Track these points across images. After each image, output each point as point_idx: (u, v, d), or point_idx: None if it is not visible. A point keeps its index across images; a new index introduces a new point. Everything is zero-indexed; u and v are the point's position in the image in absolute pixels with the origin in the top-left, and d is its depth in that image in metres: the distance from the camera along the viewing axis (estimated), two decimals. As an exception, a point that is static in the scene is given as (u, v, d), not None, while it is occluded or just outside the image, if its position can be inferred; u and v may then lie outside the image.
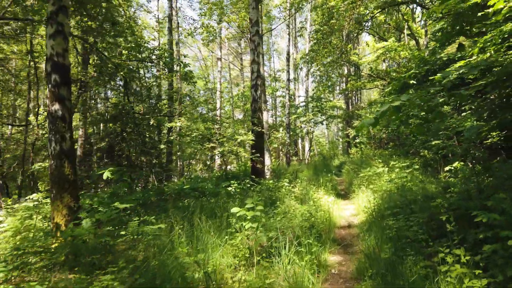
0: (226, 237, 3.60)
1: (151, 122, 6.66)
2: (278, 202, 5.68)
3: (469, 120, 6.10)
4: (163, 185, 6.94)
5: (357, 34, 17.69)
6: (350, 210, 6.44)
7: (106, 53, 9.83)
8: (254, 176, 7.92)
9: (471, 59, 3.76)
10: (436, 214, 3.48)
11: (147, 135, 6.69)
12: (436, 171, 7.16)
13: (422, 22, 22.39)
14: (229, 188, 7.21)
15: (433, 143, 7.09)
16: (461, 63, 3.68)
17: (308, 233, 4.08)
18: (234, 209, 3.39)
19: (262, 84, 11.88)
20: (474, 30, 5.29)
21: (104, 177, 3.68)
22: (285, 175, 10.40)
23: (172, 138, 6.43)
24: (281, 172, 11.61)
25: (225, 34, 17.46)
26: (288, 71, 17.07)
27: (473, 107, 6.76)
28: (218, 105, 17.18)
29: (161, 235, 3.45)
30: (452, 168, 6.14)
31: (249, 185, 7.47)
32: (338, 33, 14.89)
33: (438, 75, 3.57)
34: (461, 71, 3.36)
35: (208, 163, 8.19)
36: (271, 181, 7.67)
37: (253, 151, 8.54)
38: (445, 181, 5.66)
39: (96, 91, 11.18)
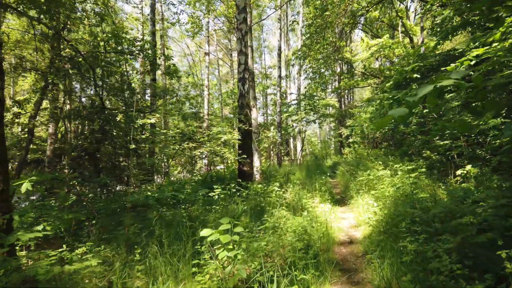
0: (193, 270, 2.72)
1: (118, 118, 5.72)
2: (265, 215, 4.82)
3: (487, 119, 5.38)
4: (138, 191, 6.02)
5: (350, 30, 16.99)
6: (350, 220, 5.63)
7: (80, 44, 8.83)
8: (240, 180, 7.05)
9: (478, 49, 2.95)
10: (468, 236, 2.67)
11: (117, 133, 5.76)
12: (444, 175, 6.43)
13: (417, 19, 21.91)
14: (212, 194, 6.33)
15: (441, 143, 6.36)
16: (480, 50, 2.90)
17: (303, 256, 3.24)
18: (205, 232, 2.52)
19: (251, 79, 11.00)
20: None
21: (23, 189, 2.75)
22: (276, 178, 9.57)
23: (144, 136, 5.51)
24: (272, 174, 10.78)
25: (212, 27, 16.52)
26: (279, 67, 16.24)
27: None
28: (205, 102, 16.22)
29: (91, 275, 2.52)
30: (465, 172, 5.40)
31: (234, 190, 6.61)
32: (332, 28, 14.13)
33: (452, 65, 2.77)
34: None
35: (191, 165, 7.29)
36: (259, 185, 6.82)
37: (240, 151, 7.68)
38: (457, 187, 4.90)
39: (71, 85, 10.11)
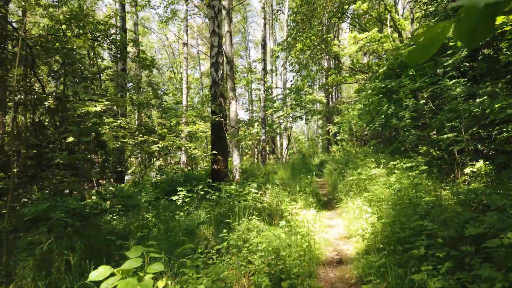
0: None
1: (47, 104, 4.54)
2: (235, 224, 3.79)
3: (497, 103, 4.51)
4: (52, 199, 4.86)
5: (337, 21, 16.16)
6: (338, 228, 4.67)
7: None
8: (210, 181, 6.00)
9: None
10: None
11: (50, 123, 4.60)
12: (445, 173, 5.56)
13: (406, 13, 21.37)
14: (175, 198, 5.26)
15: (445, 136, 5.48)
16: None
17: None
18: (96, 274, 1.48)
19: (230, 68, 9.94)
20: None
21: None
22: (256, 177, 8.55)
23: (84, 126, 4.37)
24: (253, 173, 9.76)
25: (191, 12, 15.31)
26: (264, 60, 15.22)
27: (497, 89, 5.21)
28: (184, 97, 15.03)
29: None
30: (475, 170, 4.53)
31: (203, 193, 5.55)
32: (318, 16, 13.22)
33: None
34: None
35: (145, 163, 6.13)
36: (233, 187, 5.78)
37: (212, 147, 6.63)
38: (467, 189, 4.00)
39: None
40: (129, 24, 16.45)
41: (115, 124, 4.56)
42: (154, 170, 6.10)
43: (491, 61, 6.79)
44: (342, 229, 4.55)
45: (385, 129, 12.18)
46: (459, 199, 3.89)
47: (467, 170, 4.52)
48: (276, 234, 3.54)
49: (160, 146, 4.82)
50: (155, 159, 5.55)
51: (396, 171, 5.04)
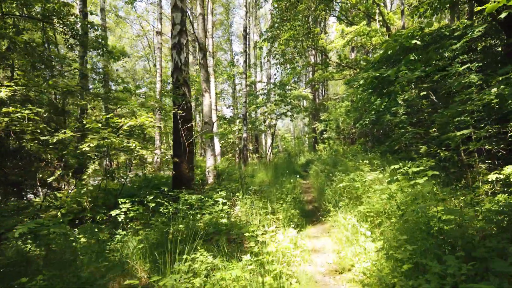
0: None
1: None
2: (178, 261, 2.59)
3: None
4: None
5: (325, 9, 15.11)
6: (326, 255, 3.54)
7: None
8: (165, 190, 4.79)
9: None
10: None
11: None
12: (454, 179, 4.54)
13: (397, 5, 20.68)
14: (116, 213, 4.01)
15: (457, 133, 4.45)
16: None
17: None
18: None
19: (203, 55, 8.69)
20: None
21: None
22: (229, 182, 7.37)
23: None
24: (231, 176, 8.57)
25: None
26: (245, 52, 14.00)
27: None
28: (158, 90, 13.64)
29: None
30: (502, 176, 3.50)
31: (154, 205, 4.32)
32: (305, 1, 12.10)
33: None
34: None
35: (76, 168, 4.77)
36: (194, 196, 4.56)
37: (174, 146, 5.42)
38: (502, 204, 2.95)
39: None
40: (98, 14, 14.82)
41: (18, 115, 3.25)
42: (94, 176, 4.79)
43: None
44: (332, 256, 3.43)
45: (375, 126, 11.23)
46: (488, 217, 2.84)
47: (492, 176, 3.48)
48: (236, 276, 2.37)
49: (91, 145, 3.56)
50: (91, 162, 4.27)
51: (398, 176, 3.95)
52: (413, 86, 7.44)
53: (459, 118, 4.80)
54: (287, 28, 12.93)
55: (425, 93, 6.02)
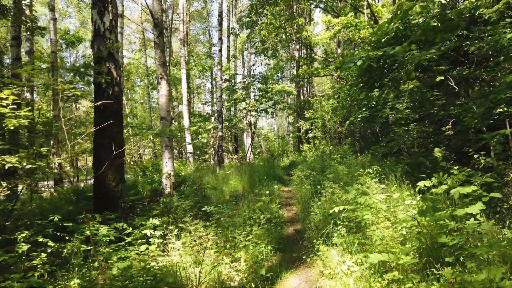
0: None
1: None
2: None
3: None
4: None
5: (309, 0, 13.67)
6: None
7: None
8: (56, 219, 3.10)
9: None
10: None
11: None
12: (506, 199, 3.09)
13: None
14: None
15: (503, 132, 2.94)
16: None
17: None
18: None
19: (159, 33, 6.94)
20: None
21: None
22: (190, 193, 5.69)
23: None
24: (194, 184, 6.88)
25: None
26: (220, 39, 12.30)
27: None
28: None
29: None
30: None
31: (26, 248, 2.61)
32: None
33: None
34: None
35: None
36: (106, 230, 2.89)
37: (96, 149, 3.73)
38: None
39: None
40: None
41: None
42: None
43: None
44: None
45: (368, 124, 9.83)
46: None
47: None
48: None
49: None
50: None
51: (430, 200, 2.42)
52: (418, 74, 6.02)
53: (499, 110, 3.34)
54: (267, 12, 11.37)
55: (442, 78, 4.54)
